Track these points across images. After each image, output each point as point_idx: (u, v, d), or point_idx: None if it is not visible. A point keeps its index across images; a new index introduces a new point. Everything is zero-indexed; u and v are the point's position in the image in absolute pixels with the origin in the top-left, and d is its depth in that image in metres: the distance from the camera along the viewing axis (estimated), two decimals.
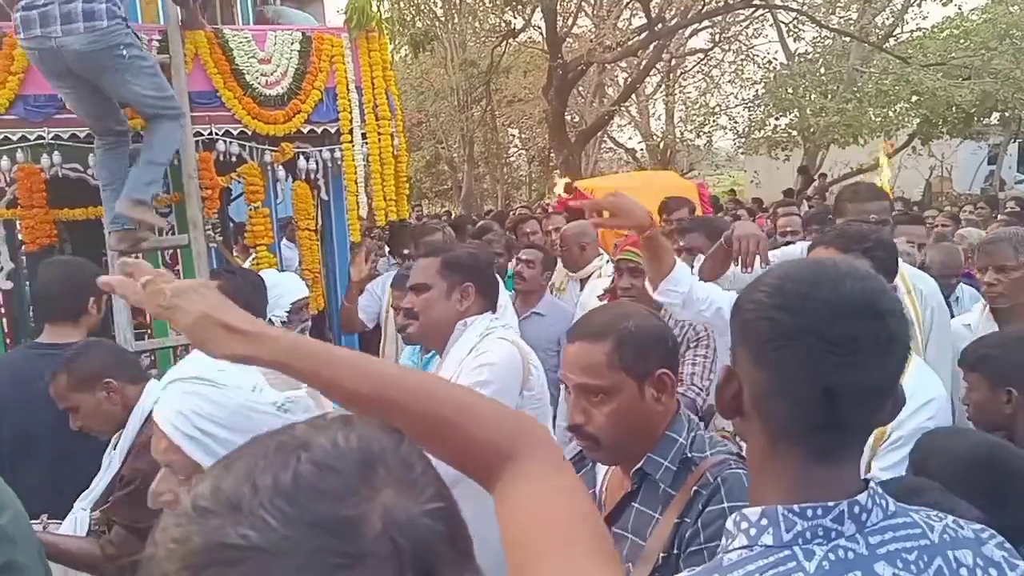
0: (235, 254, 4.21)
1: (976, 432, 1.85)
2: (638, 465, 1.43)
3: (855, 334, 0.85)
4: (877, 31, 15.59)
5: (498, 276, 2.43)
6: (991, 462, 1.43)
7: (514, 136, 22.14)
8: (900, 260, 2.44)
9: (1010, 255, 2.64)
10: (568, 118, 15.49)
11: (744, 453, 1.06)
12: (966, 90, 13.10)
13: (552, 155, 16.10)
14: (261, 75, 3.50)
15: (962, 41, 15.88)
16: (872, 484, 0.91)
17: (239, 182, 3.64)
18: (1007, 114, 15.82)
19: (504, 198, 19.53)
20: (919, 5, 15.52)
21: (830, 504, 0.86)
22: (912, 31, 16.62)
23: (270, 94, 3.50)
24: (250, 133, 3.47)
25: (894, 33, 16.13)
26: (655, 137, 19.80)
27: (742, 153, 20.06)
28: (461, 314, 2.07)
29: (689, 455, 1.42)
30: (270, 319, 2.97)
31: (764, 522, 0.87)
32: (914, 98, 14.09)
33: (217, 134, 3.41)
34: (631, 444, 1.43)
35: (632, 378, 1.42)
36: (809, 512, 0.86)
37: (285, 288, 3.16)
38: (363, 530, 0.49)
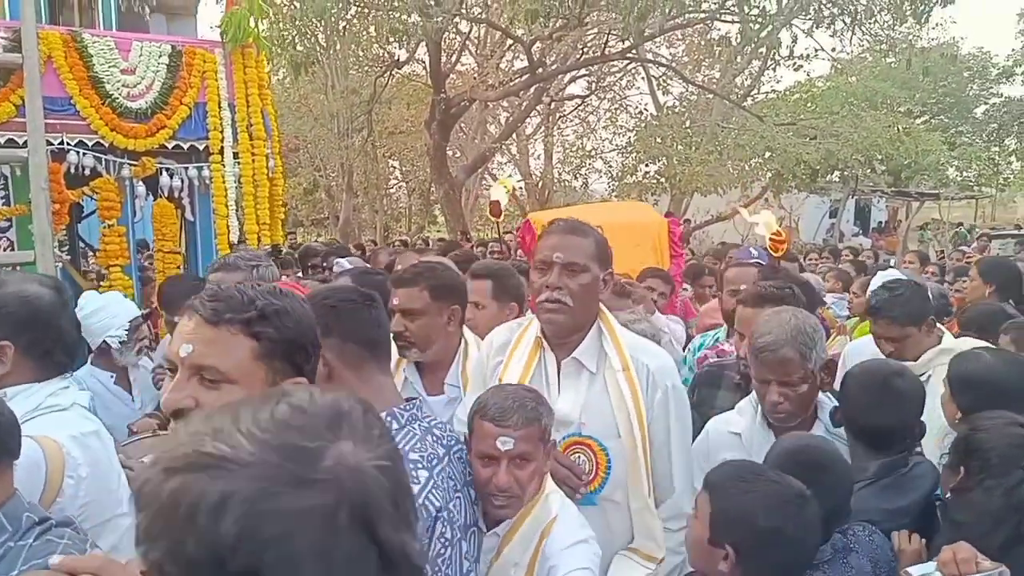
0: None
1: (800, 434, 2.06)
2: None
3: (372, 297, 1.69)
4: (737, 90, 16.89)
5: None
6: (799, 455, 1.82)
7: (395, 167, 21.97)
8: (625, 328, 2.08)
9: (796, 364, 2.07)
10: (449, 153, 15.58)
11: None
12: (812, 149, 14.33)
13: (433, 188, 16.09)
14: (123, 86, 3.28)
15: (809, 104, 17.52)
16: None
17: (91, 197, 3.37)
18: (846, 173, 17.48)
19: (383, 229, 19.28)
20: (774, 69, 16.97)
21: (413, 401, 1.69)
22: (767, 93, 18.18)
23: (132, 106, 3.29)
24: (107, 145, 3.24)
25: (751, 93, 17.53)
26: (534, 176, 20.31)
27: (615, 196, 20.94)
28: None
29: None
30: (105, 340, 2.81)
31: (390, 419, 1.57)
32: (767, 154, 15.23)
33: (69, 144, 3.15)
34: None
35: None
36: (408, 407, 1.64)
37: (118, 308, 2.94)
38: (317, 462, 0.59)
